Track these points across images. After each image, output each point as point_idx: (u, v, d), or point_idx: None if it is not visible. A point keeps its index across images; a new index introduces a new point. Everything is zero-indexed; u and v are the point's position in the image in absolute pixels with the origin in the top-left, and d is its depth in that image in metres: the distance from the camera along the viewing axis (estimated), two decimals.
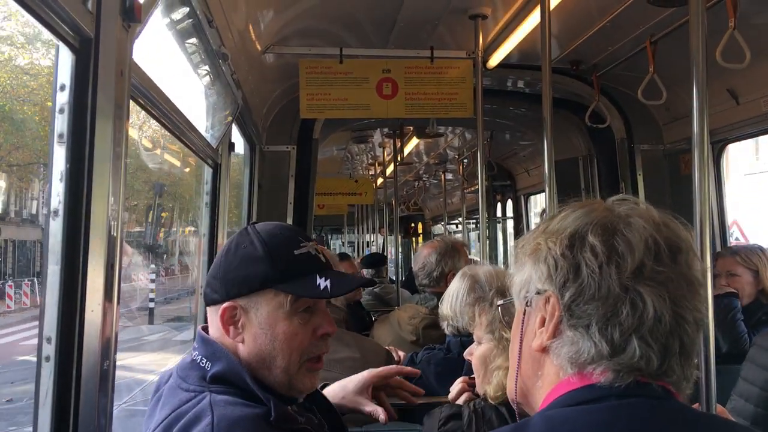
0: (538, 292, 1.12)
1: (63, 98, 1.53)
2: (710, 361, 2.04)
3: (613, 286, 1.03)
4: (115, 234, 1.58)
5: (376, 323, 3.94)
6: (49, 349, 1.50)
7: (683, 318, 1.04)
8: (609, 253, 1.05)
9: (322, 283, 1.50)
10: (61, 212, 1.51)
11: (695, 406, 1.79)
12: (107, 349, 1.58)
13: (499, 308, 1.47)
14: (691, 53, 2.18)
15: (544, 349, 1.10)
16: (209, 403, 1.38)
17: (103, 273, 1.55)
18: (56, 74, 1.52)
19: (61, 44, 1.49)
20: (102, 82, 1.55)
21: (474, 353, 2.07)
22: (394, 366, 1.82)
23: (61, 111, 1.52)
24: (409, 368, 1.78)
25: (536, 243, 1.14)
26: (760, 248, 3.74)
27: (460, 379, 2.25)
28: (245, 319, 1.49)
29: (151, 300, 20.69)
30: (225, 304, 1.49)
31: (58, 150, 1.52)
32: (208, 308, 1.56)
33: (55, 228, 1.51)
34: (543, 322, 1.11)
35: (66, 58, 1.53)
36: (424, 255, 3.77)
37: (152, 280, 20.82)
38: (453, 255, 3.66)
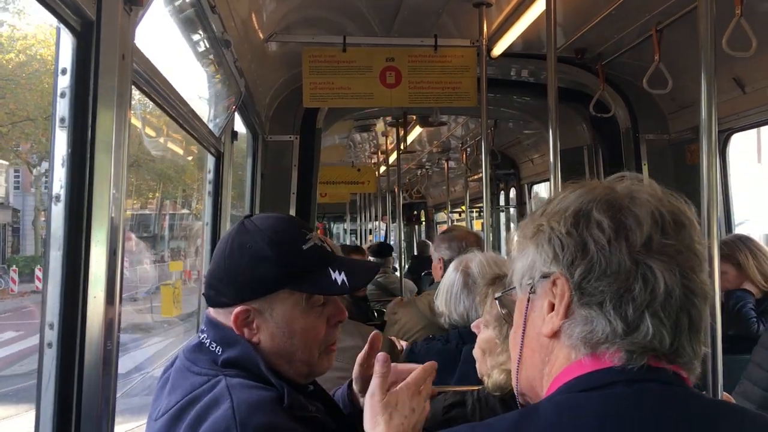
0: (544, 276, 1.08)
1: (64, 82, 1.51)
2: (717, 350, 2.03)
3: (624, 260, 1.01)
4: (117, 219, 1.57)
5: (401, 306, 3.82)
6: (52, 335, 1.49)
7: (692, 291, 1.03)
8: (617, 228, 1.03)
9: (338, 277, 1.47)
10: (63, 197, 1.50)
11: None
12: (110, 337, 1.58)
13: (497, 301, 1.42)
14: (700, 40, 2.15)
15: (555, 334, 1.07)
16: (226, 386, 1.36)
17: (106, 259, 1.54)
18: (57, 58, 1.51)
19: (62, 26, 1.48)
20: (104, 66, 1.53)
21: (480, 334, 2.01)
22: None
23: (63, 95, 1.51)
24: None
25: (537, 225, 1.10)
26: (740, 238, 3.64)
27: None
28: (260, 320, 1.46)
29: None
30: (237, 309, 1.45)
31: (60, 134, 1.51)
32: (212, 308, 1.52)
33: (57, 213, 1.51)
34: (552, 308, 1.07)
35: (67, 41, 1.52)
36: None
37: None
38: (479, 243, 3.68)
